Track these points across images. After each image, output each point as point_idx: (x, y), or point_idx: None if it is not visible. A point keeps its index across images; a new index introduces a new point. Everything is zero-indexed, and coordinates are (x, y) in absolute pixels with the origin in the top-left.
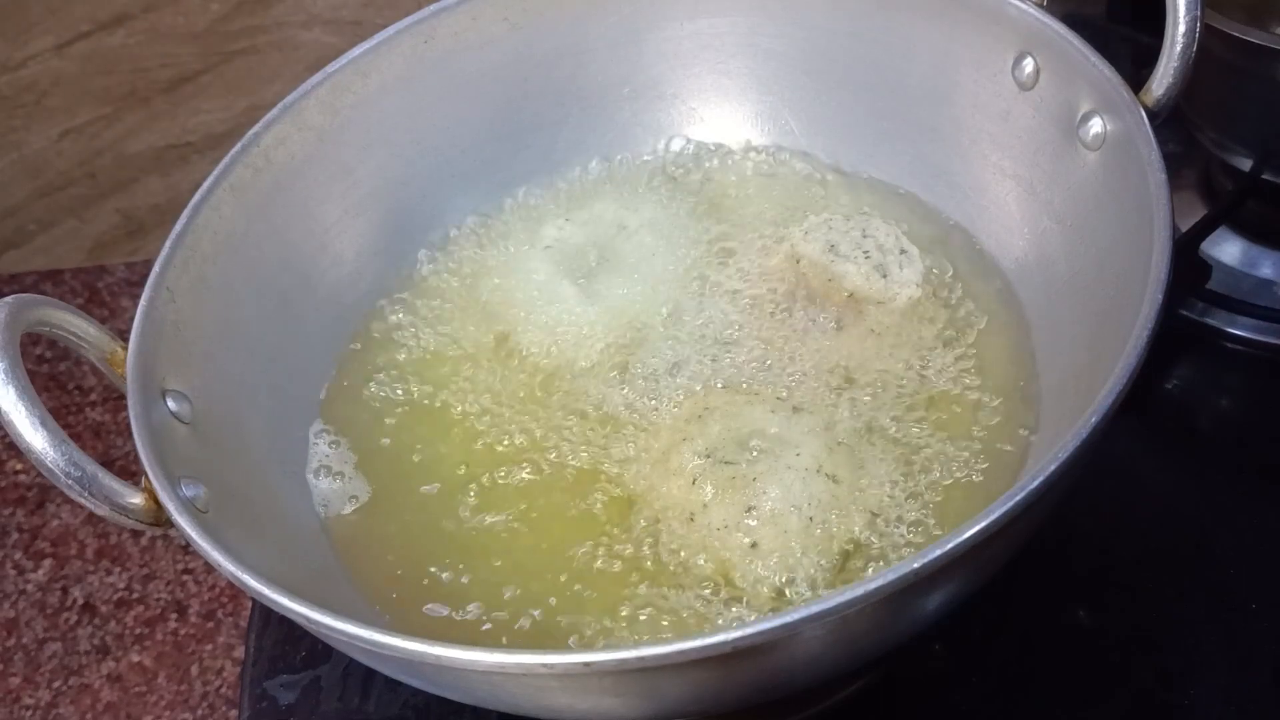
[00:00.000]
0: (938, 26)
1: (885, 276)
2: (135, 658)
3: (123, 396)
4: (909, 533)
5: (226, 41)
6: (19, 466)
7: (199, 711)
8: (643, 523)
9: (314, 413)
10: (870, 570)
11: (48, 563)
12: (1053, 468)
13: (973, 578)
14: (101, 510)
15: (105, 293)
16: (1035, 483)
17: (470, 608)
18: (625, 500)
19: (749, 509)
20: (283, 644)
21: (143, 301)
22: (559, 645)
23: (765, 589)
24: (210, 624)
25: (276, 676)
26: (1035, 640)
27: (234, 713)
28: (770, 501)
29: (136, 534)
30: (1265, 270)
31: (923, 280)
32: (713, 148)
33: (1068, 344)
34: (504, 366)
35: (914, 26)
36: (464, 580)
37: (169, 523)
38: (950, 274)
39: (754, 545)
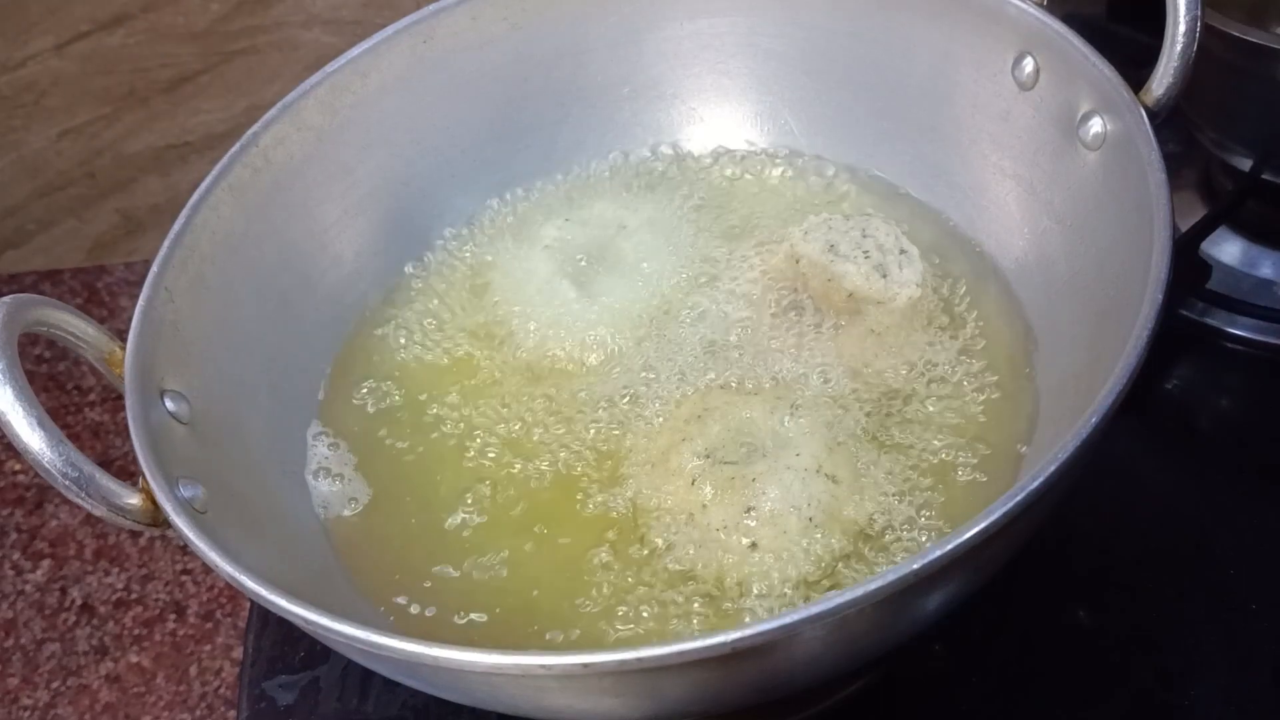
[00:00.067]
0: (938, 26)
1: (885, 276)
2: (134, 658)
3: (121, 396)
4: (909, 533)
5: (226, 41)
6: (17, 467)
7: (197, 712)
8: (642, 523)
9: (313, 413)
10: (870, 571)
11: (46, 563)
12: (1053, 468)
13: (973, 578)
14: (99, 511)
15: (104, 292)
16: (1035, 483)
17: (471, 609)
18: (624, 501)
19: (748, 509)
20: (281, 645)
21: (141, 301)
22: (558, 646)
23: (765, 590)
24: (209, 624)
25: (275, 677)
26: (1035, 640)
27: (232, 713)
28: (770, 502)
29: (135, 534)
30: (1265, 270)
31: (922, 280)
32: (712, 148)
33: (1068, 344)
34: (503, 367)
35: (914, 26)
36: (465, 582)
37: (167, 523)
38: (950, 274)
39: (753, 545)
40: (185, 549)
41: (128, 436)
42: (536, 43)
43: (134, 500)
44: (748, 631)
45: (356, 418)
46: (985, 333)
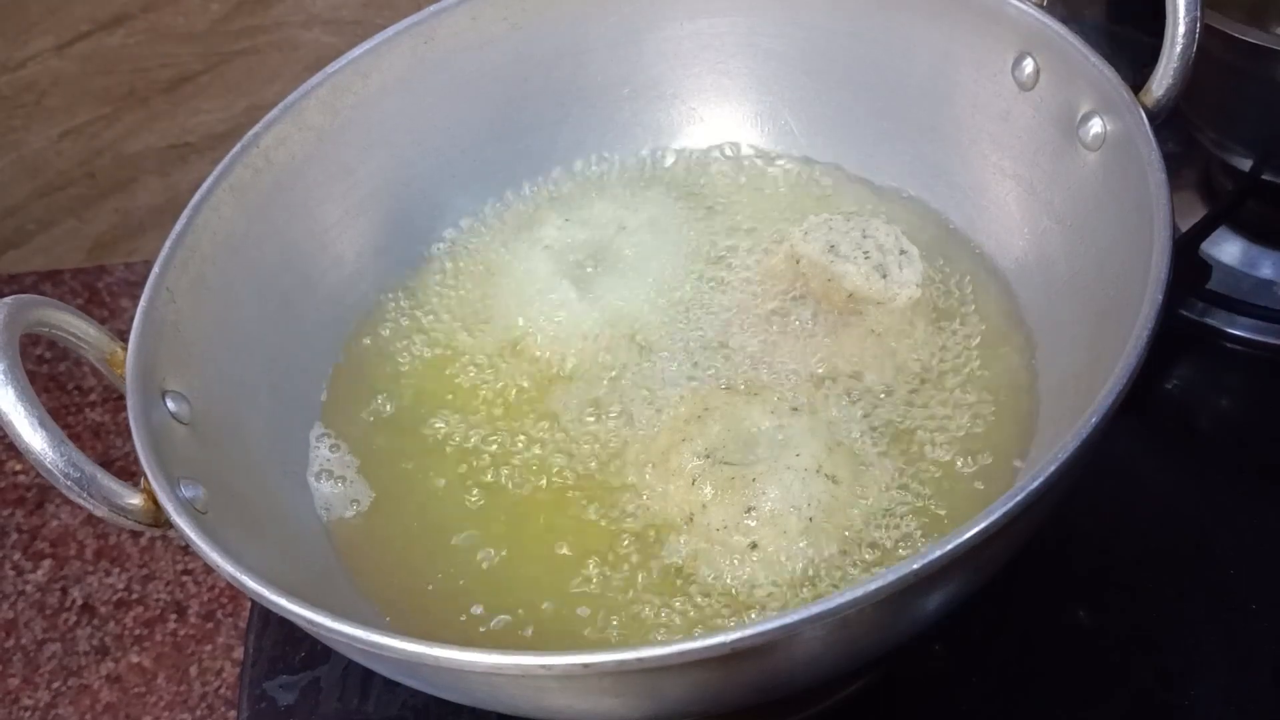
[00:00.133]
0: (937, 26)
1: (885, 276)
2: (134, 658)
3: (123, 397)
4: (909, 533)
5: (226, 42)
6: (18, 467)
7: (198, 712)
8: (643, 524)
9: (315, 414)
10: (869, 571)
11: (47, 563)
12: (1053, 468)
13: (973, 578)
14: (100, 511)
15: (105, 293)
16: (1035, 483)
17: (472, 610)
18: (625, 501)
19: (749, 509)
20: (282, 645)
21: (142, 302)
22: (559, 646)
23: (765, 590)
24: (210, 625)
25: (276, 677)
26: (1035, 640)
27: (233, 713)
28: (770, 502)
29: (136, 534)
30: (1265, 270)
31: (923, 280)
32: (713, 148)
33: (1068, 344)
34: (504, 367)
35: (914, 26)
36: (466, 583)
37: (168, 524)
38: (950, 274)
39: (754, 546)
40: (186, 549)
41: (129, 437)
42: (536, 43)
43: (135, 501)
44: (748, 631)
45: (358, 420)
46: (985, 333)
